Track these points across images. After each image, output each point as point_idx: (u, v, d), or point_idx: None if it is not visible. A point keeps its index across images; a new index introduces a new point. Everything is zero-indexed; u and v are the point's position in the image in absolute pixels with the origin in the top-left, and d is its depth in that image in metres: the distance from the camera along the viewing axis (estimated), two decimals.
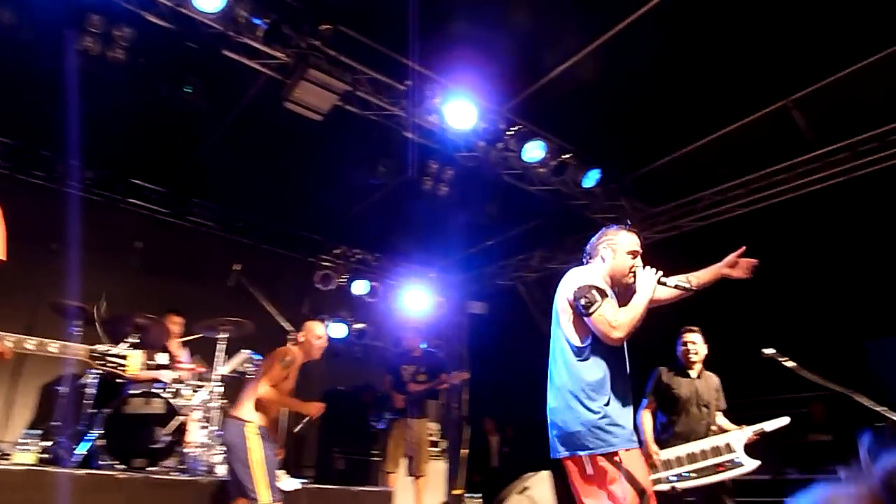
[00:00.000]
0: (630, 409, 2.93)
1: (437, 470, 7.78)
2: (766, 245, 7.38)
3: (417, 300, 9.49)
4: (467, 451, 7.95)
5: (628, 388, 2.95)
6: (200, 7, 4.84)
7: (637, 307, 2.88)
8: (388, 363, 7.60)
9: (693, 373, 4.90)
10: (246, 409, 4.17)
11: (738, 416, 4.99)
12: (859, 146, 6.15)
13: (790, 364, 4.43)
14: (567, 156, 6.62)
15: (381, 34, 5.56)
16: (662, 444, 4.72)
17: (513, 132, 6.37)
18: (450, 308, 10.01)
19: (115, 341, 5.57)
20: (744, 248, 3.20)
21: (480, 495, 7.21)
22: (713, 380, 4.96)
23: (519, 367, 10.63)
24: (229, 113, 6.42)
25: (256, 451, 4.01)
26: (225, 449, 4.29)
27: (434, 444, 7.98)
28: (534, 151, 6.40)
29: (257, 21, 5.05)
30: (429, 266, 10.04)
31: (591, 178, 6.82)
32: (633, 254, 3.09)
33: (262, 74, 5.64)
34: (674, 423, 4.77)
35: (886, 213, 6.51)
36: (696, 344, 4.92)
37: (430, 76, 5.88)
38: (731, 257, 3.18)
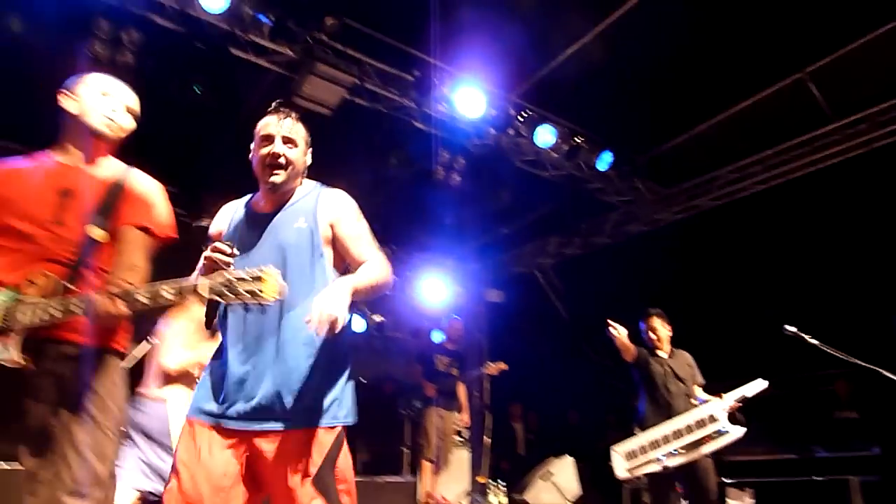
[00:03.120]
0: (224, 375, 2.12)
1: (461, 458, 7.80)
2: (786, 221, 7.34)
3: (435, 291, 9.49)
4: (490, 439, 7.96)
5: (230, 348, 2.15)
6: (206, 7, 4.86)
7: None
8: (415, 353, 7.60)
9: (663, 353, 5.02)
10: None
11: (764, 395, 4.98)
12: (878, 116, 6.04)
13: (813, 341, 4.41)
14: (579, 139, 6.56)
15: (387, 25, 5.55)
16: (645, 425, 4.77)
17: (523, 118, 6.33)
18: (467, 297, 10.00)
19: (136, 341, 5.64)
20: None
21: (505, 482, 7.22)
22: (685, 356, 5.06)
23: (537, 354, 10.65)
24: (239, 111, 6.43)
25: None
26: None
27: (458, 433, 8.01)
28: (545, 136, 6.36)
29: (262, 18, 5.05)
30: (445, 256, 10.03)
31: (604, 161, 6.77)
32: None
33: (270, 71, 5.65)
34: (653, 402, 4.86)
35: None
36: (657, 328, 5.05)
37: (437, 65, 5.85)
38: None
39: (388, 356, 9.40)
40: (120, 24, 4.95)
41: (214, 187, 8.05)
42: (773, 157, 6.77)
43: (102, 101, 2.31)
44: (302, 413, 2.06)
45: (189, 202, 8.09)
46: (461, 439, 7.92)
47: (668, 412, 4.74)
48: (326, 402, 2.12)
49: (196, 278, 1.90)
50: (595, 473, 8.69)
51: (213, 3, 4.86)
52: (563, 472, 7.26)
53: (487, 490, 7.27)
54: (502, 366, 7.40)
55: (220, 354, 2.18)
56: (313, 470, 2.03)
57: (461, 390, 7.22)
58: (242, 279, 1.80)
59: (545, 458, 7.54)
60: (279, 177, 2.21)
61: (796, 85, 5.99)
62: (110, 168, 2.35)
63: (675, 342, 5.09)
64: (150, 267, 2.24)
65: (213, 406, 2.08)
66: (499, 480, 7.28)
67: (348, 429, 2.22)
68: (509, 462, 9.13)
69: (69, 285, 2.03)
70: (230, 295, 1.80)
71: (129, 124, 2.39)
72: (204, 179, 7.80)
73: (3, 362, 1.92)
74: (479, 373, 7.42)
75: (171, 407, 3.51)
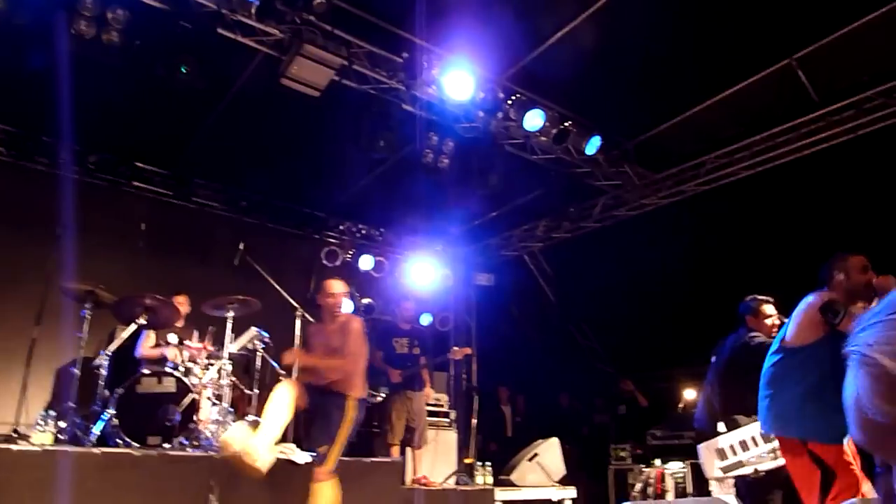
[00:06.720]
0: None
1: (448, 440, 7.88)
2: (771, 206, 7.39)
3: (424, 274, 9.52)
4: (476, 420, 8.04)
5: None
6: None
7: None
8: (377, 337, 7.61)
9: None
10: None
11: None
12: (865, 103, 6.07)
13: None
14: (567, 123, 6.57)
15: (376, 6, 5.51)
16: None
17: (512, 101, 6.32)
18: (456, 281, 10.04)
19: (126, 322, 5.64)
20: None
21: (490, 463, 7.30)
22: None
23: (525, 337, 10.72)
24: (227, 92, 6.39)
25: None
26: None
27: (445, 414, 8.07)
28: (533, 120, 6.35)
29: None
30: (434, 239, 10.05)
31: (593, 146, 6.78)
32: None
33: (258, 52, 5.61)
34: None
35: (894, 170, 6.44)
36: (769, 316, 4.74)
37: (426, 47, 5.82)
38: None
39: (377, 339, 9.43)
40: (105, 2, 4.90)
41: (205, 170, 8.04)
42: (760, 142, 6.79)
43: None
44: None
45: (180, 184, 8.08)
46: (446, 421, 7.98)
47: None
48: None
49: None
50: (582, 455, 8.79)
51: None
52: (549, 454, 7.34)
53: (474, 471, 7.35)
54: (467, 350, 7.70)
55: None
56: None
57: (423, 369, 7.32)
58: None
59: (533, 441, 7.62)
60: None
61: (784, 71, 6.01)
62: None
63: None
64: None
65: None
66: (486, 462, 7.35)
67: None
68: (498, 444, 9.21)
69: None
70: None
71: None
72: (194, 162, 7.77)
73: None
74: (445, 358, 7.54)
75: None
